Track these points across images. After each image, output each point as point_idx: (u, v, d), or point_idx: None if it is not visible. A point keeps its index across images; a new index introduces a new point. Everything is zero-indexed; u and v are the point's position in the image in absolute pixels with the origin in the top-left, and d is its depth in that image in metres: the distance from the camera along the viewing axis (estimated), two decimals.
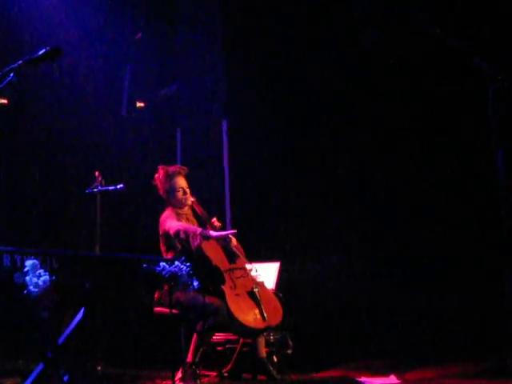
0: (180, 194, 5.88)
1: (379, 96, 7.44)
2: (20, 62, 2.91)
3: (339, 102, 7.63)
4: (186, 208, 5.95)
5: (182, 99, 8.11)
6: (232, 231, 5.87)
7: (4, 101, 7.88)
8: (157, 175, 5.95)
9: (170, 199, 5.89)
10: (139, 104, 8.23)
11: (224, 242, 5.75)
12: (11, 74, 2.91)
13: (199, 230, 5.63)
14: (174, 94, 8.18)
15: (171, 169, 5.95)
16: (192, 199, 5.95)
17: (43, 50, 2.97)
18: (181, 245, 5.63)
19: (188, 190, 5.93)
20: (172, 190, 5.87)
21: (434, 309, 7.14)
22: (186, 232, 5.57)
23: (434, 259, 7.19)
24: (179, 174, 5.92)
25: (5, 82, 2.91)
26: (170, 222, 5.69)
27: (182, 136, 8.04)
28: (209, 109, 7.90)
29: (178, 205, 5.89)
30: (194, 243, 5.55)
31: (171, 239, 5.65)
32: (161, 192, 5.93)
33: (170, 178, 5.88)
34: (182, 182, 5.92)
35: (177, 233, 5.58)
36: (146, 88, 8.28)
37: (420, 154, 7.38)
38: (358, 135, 7.61)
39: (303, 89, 7.72)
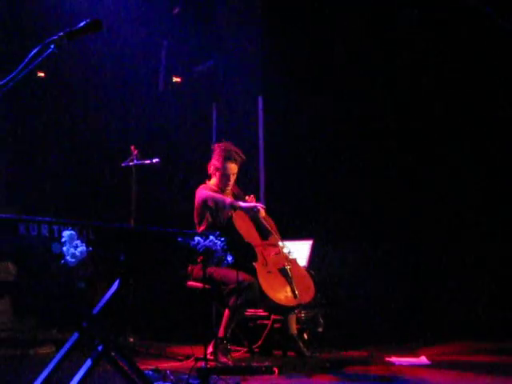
0: (225, 180, 5.82)
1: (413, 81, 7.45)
2: (61, 33, 2.91)
3: (376, 83, 7.58)
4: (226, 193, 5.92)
5: (219, 75, 8.09)
6: (260, 204, 5.84)
7: (42, 74, 7.94)
8: (219, 147, 5.87)
9: (214, 174, 5.86)
10: (176, 79, 8.24)
11: (252, 212, 5.73)
12: (52, 46, 2.91)
13: (228, 199, 5.63)
14: (210, 70, 8.17)
15: (235, 154, 5.84)
16: (230, 188, 5.89)
17: (83, 23, 2.97)
18: (211, 216, 5.63)
19: (234, 178, 5.87)
20: (222, 170, 5.81)
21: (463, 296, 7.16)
22: (214, 200, 5.57)
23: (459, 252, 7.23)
24: (236, 160, 5.84)
25: (45, 54, 2.91)
26: (201, 192, 5.69)
27: (217, 111, 8.03)
28: (245, 85, 7.87)
29: (220, 185, 5.85)
30: (224, 213, 5.57)
31: (202, 210, 5.65)
32: (211, 162, 5.87)
33: (226, 160, 5.80)
34: (234, 168, 5.84)
35: (205, 200, 5.58)
36: (183, 63, 8.28)
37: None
38: (392, 120, 7.58)
39: (341, 68, 7.66)
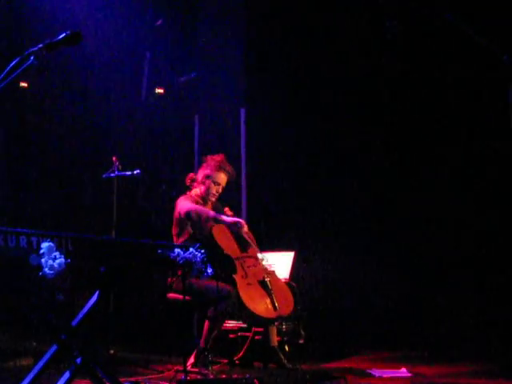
0: (213, 189, 5.80)
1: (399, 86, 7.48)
2: (40, 45, 2.91)
3: (360, 93, 7.62)
4: (208, 204, 5.91)
5: (201, 86, 8.11)
6: (241, 220, 5.83)
7: (24, 84, 7.93)
8: (213, 158, 5.85)
9: (201, 184, 5.84)
10: (158, 90, 8.25)
11: (235, 227, 5.73)
12: (31, 58, 2.92)
13: (212, 212, 5.61)
14: (193, 81, 8.18)
15: (228, 167, 5.84)
16: (214, 200, 5.88)
17: (63, 34, 2.97)
18: (192, 229, 5.62)
19: (220, 191, 5.86)
20: (211, 179, 5.79)
21: (448, 307, 7.17)
22: (197, 213, 5.55)
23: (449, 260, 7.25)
24: (229, 175, 5.85)
25: (25, 66, 2.92)
26: (184, 203, 5.68)
27: (199, 123, 8.04)
28: (227, 97, 7.89)
29: (203, 194, 5.84)
30: (206, 227, 5.55)
31: (183, 222, 5.63)
32: (200, 171, 5.86)
33: (219, 169, 5.78)
34: (224, 179, 5.83)
35: (188, 213, 5.55)
36: (166, 74, 8.29)
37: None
38: (378, 126, 7.61)
39: (324, 78, 7.70)
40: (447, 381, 5.39)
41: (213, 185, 5.80)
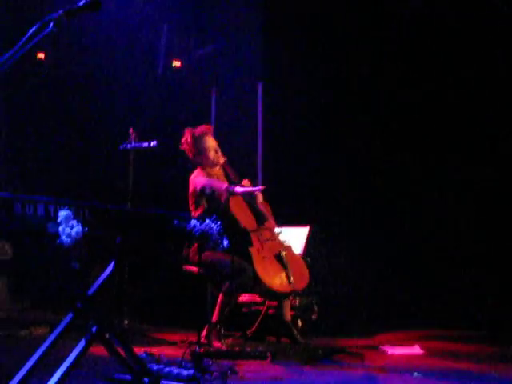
0: (212, 154, 5.80)
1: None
2: (60, 11, 2.88)
3: (376, 68, 7.57)
4: (218, 168, 5.88)
5: (219, 59, 8.06)
6: (259, 187, 5.81)
7: (41, 55, 7.91)
8: (184, 139, 5.83)
9: (201, 160, 5.81)
10: (175, 63, 8.21)
11: (250, 197, 5.71)
12: (51, 24, 2.88)
13: (225, 185, 5.60)
14: (210, 54, 8.14)
15: (198, 130, 5.84)
16: (223, 159, 5.89)
17: (83, 1, 2.94)
18: (207, 203, 5.61)
19: (219, 149, 5.87)
20: (203, 150, 5.78)
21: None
22: (211, 187, 5.54)
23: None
24: (207, 134, 5.84)
25: (44, 33, 2.89)
26: (198, 179, 5.67)
27: (216, 96, 8.01)
28: (245, 70, 7.84)
29: (209, 165, 5.83)
30: (221, 199, 5.54)
31: (198, 197, 5.63)
32: (190, 155, 5.84)
33: (198, 139, 5.79)
34: (211, 141, 5.83)
35: (203, 188, 5.55)
36: (183, 47, 8.25)
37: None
38: (394, 105, 7.58)
39: (341, 54, 7.65)
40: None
41: (209, 153, 5.79)
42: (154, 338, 5.99)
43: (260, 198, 5.77)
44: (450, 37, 7.29)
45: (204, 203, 5.63)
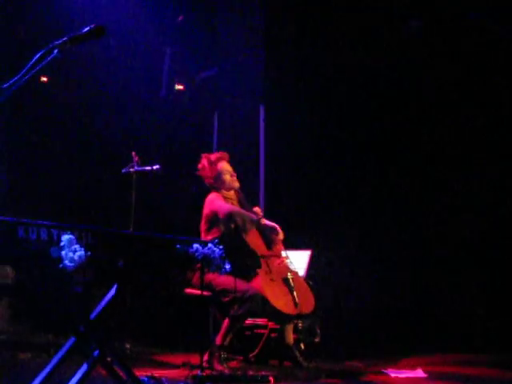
0: (228, 177, 5.89)
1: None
2: (64, 38, 2.92)
3: (379, 92, 7.61)
4: (232, 192, 5.95)
5: (221, 83, 8.12)
6: (277, 226, 5.87)
7: (44, 79, 7.96)
8: (201, 165, 5.93)
9: (217, 185, 5.88)
10: (178, 86, 8.27)
11: (273, 233, 5.79)
12: (55, 51, 2.92)
13: (255, 217, 5.68)
14: (213, 78, 8.19)
15: (214, 155, 5.98)
16: (238, 184, 5.96)
17: (87, 28, 2.98)
18: (225, 227, 5.63)
19: (234, 174, 5.95)
20: (219, 174, 5.87)
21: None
22: (241, 216, 5.61)
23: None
24: (223, 159, 5.95)
25: (49, 59, 2.92)
26: (221, 203, 5.71)
27: (219, 119, 8.05)
28: (247, 94, 7.90)
29: (225, 188, 5.89)
30: (248, 229, 5.61)
31: (216, 220, 5.66)
32: (207, 180, 5.92)
33: (214, 163, 5.89)
34: (227, 165, 5.94)
35: (231, 214, 5.59)
36: (186, 71, 8.31)
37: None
38: (395, 127, 7.61)
39: (343, 77, 7.68)
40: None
41: (225, 176, 5.87)
42: (156, 362, 5.97)
43: (281, 236, 5.86)
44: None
45: (220, 227, 5.64)
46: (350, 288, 7.36)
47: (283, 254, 5.87)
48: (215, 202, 5.73)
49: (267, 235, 5.82)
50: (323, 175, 7.73)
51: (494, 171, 7.37)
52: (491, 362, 6.24)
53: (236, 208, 5.73)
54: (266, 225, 5.75)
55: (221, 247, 3.50)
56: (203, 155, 5.99)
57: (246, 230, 5.65)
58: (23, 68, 2.91)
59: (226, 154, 6.04)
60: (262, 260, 5.67)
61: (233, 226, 5.62)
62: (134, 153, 6.20)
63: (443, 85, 7.44)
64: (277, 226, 5.85)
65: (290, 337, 5.86)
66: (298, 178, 7.80)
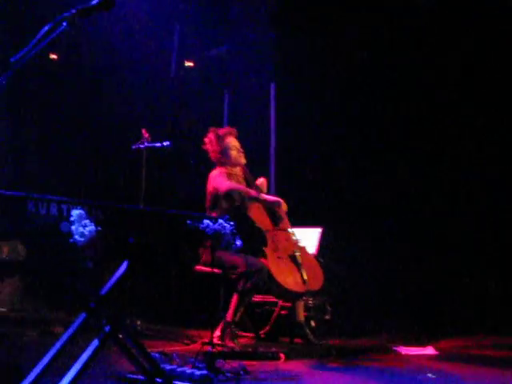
0: (234, 153, 5.89)
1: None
2: (73, 10, 2.88)
3: (386, 69, 7.54)
4: (238, 168, 5.94)
5: (232, 60, 8.06)
6: (279, 200, 5.84)
7: (54, 56, 7.94)
8: (207, 138, 5.92)
9: (223, 159, 5.87)
10: (188, 63, 8.23)
11: (275, 206, 5.77)
12: (64, 23, 2.88)
13: (253, 192, 5.68)
14: (223, 55, 8.14)
15: (222, 130, 5.97)
16: (245, 160, 5.94)
17: (96, 0, 2.94)
18: (228, 203, 5.62)
19: (242, 150, 5.93)
20: (226, 149, 5.86)
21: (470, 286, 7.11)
22: (240, 193, 5.59)
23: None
24: (230, 134, 5.93)
25: (58, 32, 2.88)
26: (222, 180, 5.69)
27: (229, 97, 8.01)
28: (258, 71, 7.84)
29: (231, 164, 5.88)
30: (247, 205, 5.59)
31: (218, 197, 5.65)
32: (212, 155, 5.90)
33: (221, 138, 5.88)
34: (234, 141, 5.93)
35: (230, 192, 5.58)
36: (196, 48, 8.26)
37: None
38: (403, 108, 7.54)
39: (354, 55, 7.62)
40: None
41: (232, 151, 5.86)
42: (167, 338, 5.99)
43: (284, 207, 5.88)
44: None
45: (223, 204, 5.63)
46: (363, 265, 7.33)
47: (290, 230, 5.85)
48: (216, 179, 5.72)
49: (271, 209, 5.79)
50: (335, 152, 7.68)
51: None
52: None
53: (234, 185, 5.69)
54: (266, 199, 5.72)
55: (231, 223, 3.48)
56: (211, 129, 5.98)
57: (245, 207, 5.62)
58: (30, 41, 2.87)
59: (234, 130, 6.01)
60: (268, 236, 5.64)
61: (224, 199, 5.60)
62: (144, 130, 6.19)
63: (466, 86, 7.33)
64: (279, 199, 5.81)
65: (301, 314, 5.85)
66: (309, 155, 7.75)
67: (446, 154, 7.48)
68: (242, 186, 5.75)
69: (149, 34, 7.95)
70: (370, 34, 7.54)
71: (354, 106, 7.65)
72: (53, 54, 7.97)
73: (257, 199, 5.66)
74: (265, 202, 5.73)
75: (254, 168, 6.10)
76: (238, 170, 5.93)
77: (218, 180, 5.69)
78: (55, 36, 2.88)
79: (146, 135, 6.14)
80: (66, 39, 2.97)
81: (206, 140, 5.92)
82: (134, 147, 6.15)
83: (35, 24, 3.11)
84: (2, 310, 6.87)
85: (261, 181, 5.93)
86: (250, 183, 5.88)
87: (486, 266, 7.14)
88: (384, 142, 7.60)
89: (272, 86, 7.94)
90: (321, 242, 6.41)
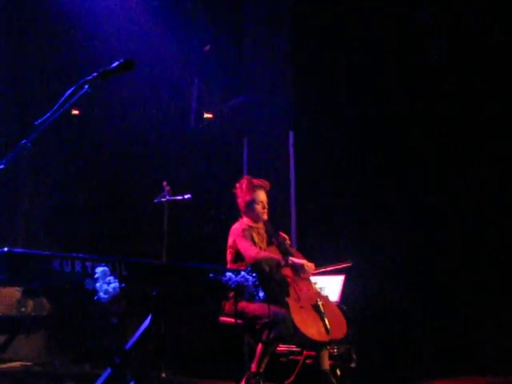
0: (259, 207, 5.88)
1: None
2: (94, 74, 2.97)
3: (404, 114, 7.58)
4: (261, 223, 5.95)
5: (250, 110, 8.15)
6: (304, 263, 5.81)
7: (76, 112, 8.09)
8: (239, 184, 5.94)
9: (247, 210, 5.89)
10: (207, 115, 8.33)
11: (302, 271, 5.71)
12: (86, 86, 2.98)
13: (282, 260, 5.65)
14: (241, 106, 8.24)
15: (256, 181, 5.96)
16: (266, 217, 5.92)
17: (117, 63, 3.03)
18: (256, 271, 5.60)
19: (267, 207, 5.93)
20: (252, 201, 5.86)
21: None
22: (267, 262, 5.56)
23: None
24: (262, 187, 5.93)
25: (80, 94, 2.98)
26: (247, 246, 5.66)
27: (248, 147, 8.08)
28: (276, 120, 7.92)
29: (254, 217, 5.89)
30: (276, 274, 5.59)
31: (239, 253, 5.67)
32: (239, 201, 5.92)
33: (253, 189, 5.88)
34: (263, 196, 5.92)
35: (258, 263, 5.50)
36: (214, 99, 8.37)
37: None
38: (424, 146, 7.55)
39: (369, 102, 7.68)
40: None
41: (257, 206, 5.86)
42: None
43: (309, 274, 5.82)
44: None
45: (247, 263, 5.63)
46: (386, 311, 7.27)
47: (312, 279, 5.84)
48: (241, 241, 5.70)
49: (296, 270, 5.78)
50: (355, 199, 7.69)
51: None
52: None
53: (261, 254, 5.65)
54: (294, 263, 5.71)
55: (254, 275, 3.50)
56: (246, 177, 6.02)
57: (274, 276, 5.61)
58: (55, 104, 2.96)
59: (267, 184, 6.00)
60: (290, 287, 5.64)
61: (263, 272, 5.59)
62: (165, 182, 6.25)
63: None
64: (304, 261, 5.78)
65: (326, 363, 5.80)
66: (329, 203, 7.76)
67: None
68: (268, 254, 5.71)
69: (168, 88, 8.08)
70: (389, 82, 7.60)
71: (372, 152, 7.68)
72: (75, 109, 8.10)
73: (285, 265, 5.66)
74: (292, 267, 5.72)
75: (274, 216, 6.10)
76: (260, 224, 5.94)
77: (243, 245, 5.65)
78: (77, 98, 2.98)
79: (167, 188, 6.20)
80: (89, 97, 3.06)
81: (238, 185, 5.95)
82: (156, 201, 6.20)
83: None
84: (27, 364, 6.90)
85: (284, 236, 5.93)
86: (272, 237, 5.87)
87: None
88: (406, 183, 7.59)
89: (291, 134, 8.00)
90: (344, 289, 6.38)
